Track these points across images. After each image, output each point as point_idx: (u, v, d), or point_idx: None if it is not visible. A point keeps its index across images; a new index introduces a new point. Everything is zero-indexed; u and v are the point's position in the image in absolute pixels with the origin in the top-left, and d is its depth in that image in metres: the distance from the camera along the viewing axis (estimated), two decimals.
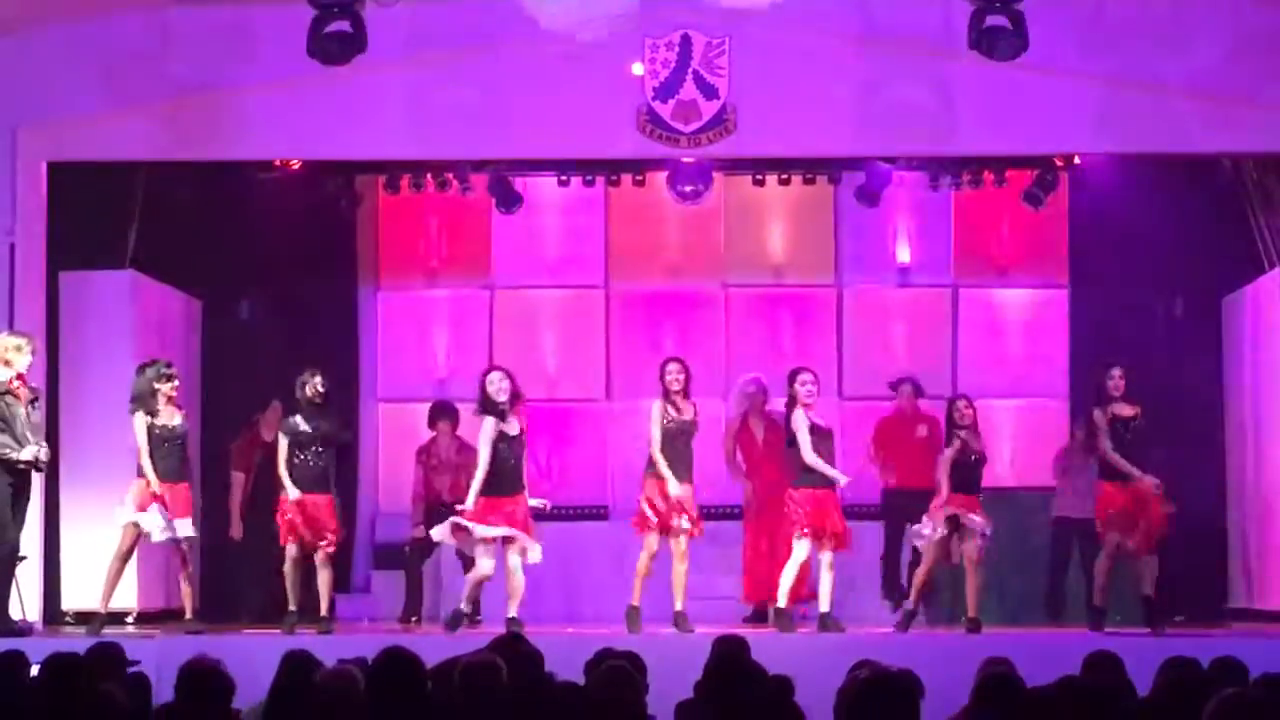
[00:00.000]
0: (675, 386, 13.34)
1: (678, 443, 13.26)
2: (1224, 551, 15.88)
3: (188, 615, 13.25)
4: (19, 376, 12.66)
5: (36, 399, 12.83)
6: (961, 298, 17.28)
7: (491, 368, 13.73)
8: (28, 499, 12.78)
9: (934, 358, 16.99)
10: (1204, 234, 15.96)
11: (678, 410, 13.31)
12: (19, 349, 12.67)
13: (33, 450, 12.54)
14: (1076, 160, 15.60)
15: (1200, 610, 15.03)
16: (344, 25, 12.54)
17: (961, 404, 13.77)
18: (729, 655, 7.94)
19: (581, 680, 6.99)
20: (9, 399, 12.55)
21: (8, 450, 12.49)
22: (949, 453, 13.60)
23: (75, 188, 14.36)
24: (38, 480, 13.00)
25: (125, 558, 13.12)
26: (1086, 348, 16.53)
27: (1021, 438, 16.88)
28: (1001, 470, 16.45)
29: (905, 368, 16.38)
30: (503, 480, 13.05)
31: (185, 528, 13.19)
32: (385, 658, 6.75)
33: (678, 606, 13.20)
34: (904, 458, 15.27)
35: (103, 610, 13.00)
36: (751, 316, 17.31)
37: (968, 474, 13.61)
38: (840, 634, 13.12)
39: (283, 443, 13.33)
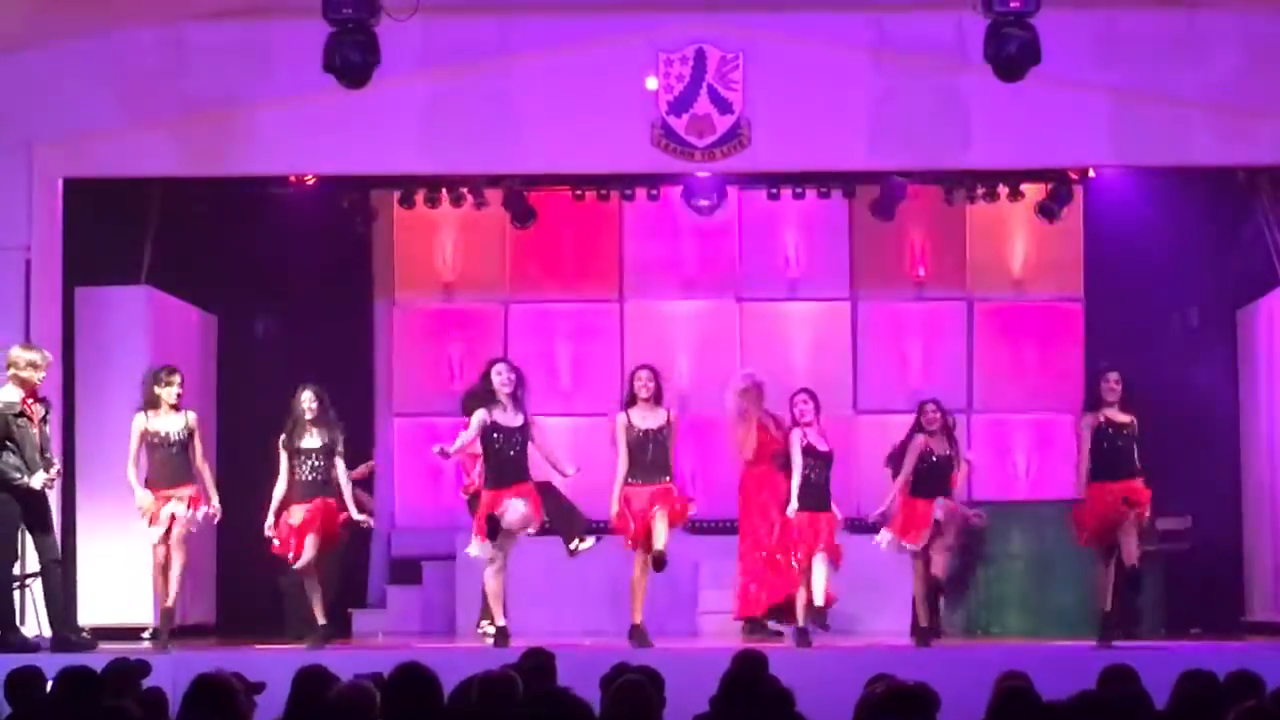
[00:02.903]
0: (644, 394, 13.21)
1: (647, 451, 13.14)
2: (1240, 564, 15.84)
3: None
4: (31, 394, 12.58)
5: (48, 413, 12.77)
6: (976, 311, 17.27)
7: (497, 359, 13.69)
8: (49, 515, 12.77)
9: (949, 371, 16.98)
10: (1218, 246, 15.95)
11: (642, 418, 13.20)
12: (34, 365, 12.52)
13: (41, 478, 12.42)
14: (1091, 173, 15.60)
15: (1216, 623, 15.00)
16: (360, 44, 12.57)
17: (930, 407, 13.73)
18: (745, 670, 7.93)
19: (597, 695, 6.98)
20: (21, 420, 12.45)
21: (15, 474, 12.41)
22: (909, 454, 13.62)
23: (91, 203, 14.40)
24: (53, 494, 13.00)
25: (164, 570, 13.13)
26: (1101, 360, 16.52)
27: (1037, 451, 16.86)
28: (1017, 483, 16.43)
29: (921, 382, 16.37)
30: (503, 472, 12.95)
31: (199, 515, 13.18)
32: (401, 673, 6.74)
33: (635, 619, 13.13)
34: None
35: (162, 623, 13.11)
36: (766, 330, 17.30)
37: (927, 476, 13.56)
38: (857, 647, 13.10)
39: (282, 459, 13.29)
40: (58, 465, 12.70)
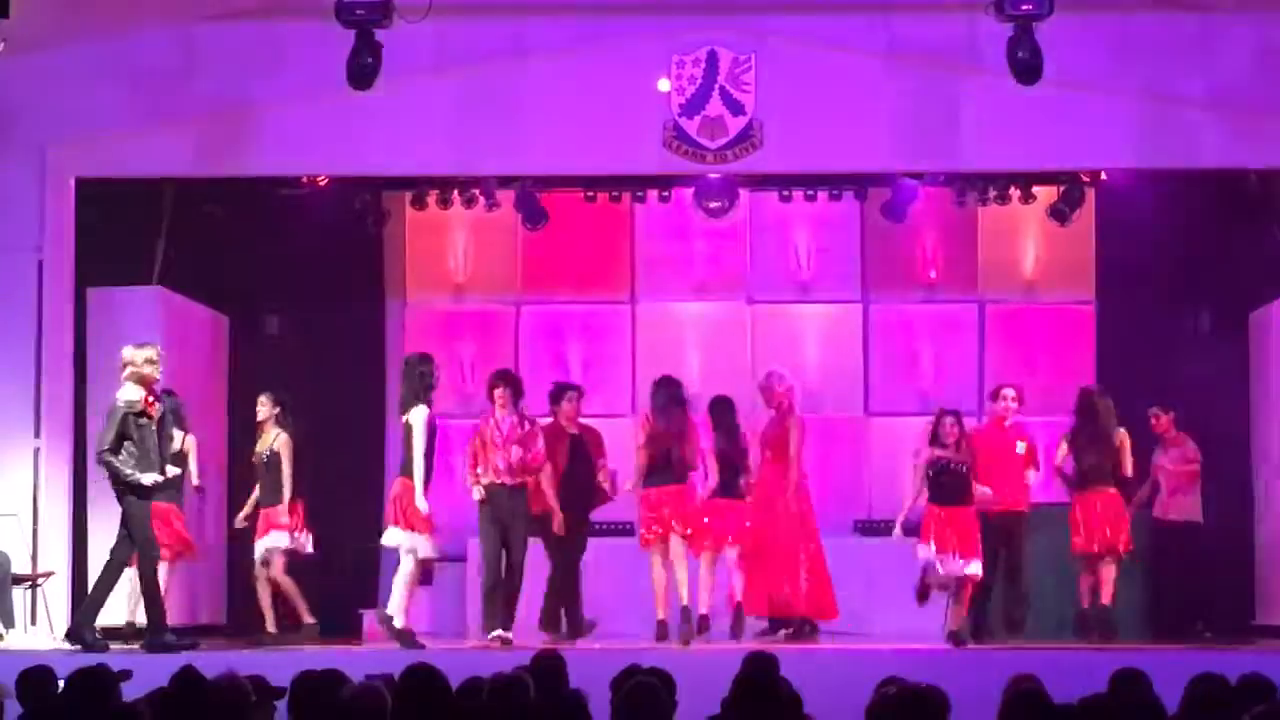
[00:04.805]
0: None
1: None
2: (1251, 567, 15.82)
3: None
4: (151, 392, 12.44)
5: (165, 415, 12.71)
6: (987, 313, 17.25)
7: (423, 353, 13.80)
8: None
9: (960, 374, 16.96)
10: (1231, 249, 15.92)
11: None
12: (151, 361, 12.42)
13: (152, 476, 12.35)
14: (1103, 175, 15.59)
15: (1227, 626, 14.97)
16: (369, 48, 12.63)
17: (949, 420, 13.63)
18: (756, 672, 7.93)
19: (608, 696, 6.99)
20: (143, 419, 12.34)
21: (127, 471, 12.24)
22: (922, 460, 13.65)
23: (103, 204, 14.43)
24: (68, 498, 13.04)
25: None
26: (1113, 363, 16.51)
27: (1048, 454, 16.80)
28: (1032, 487, 16.39)
29: (931, 384, 16.36)
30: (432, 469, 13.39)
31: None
32: (412, 674, 6.75)
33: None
34: (1002, 476, 14.28)
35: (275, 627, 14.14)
36: (777, 332, 17.28)
37: (943, 486, 13.53)
38: (869, 650, 13.10)
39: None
40: (177, 471, 13.01)
